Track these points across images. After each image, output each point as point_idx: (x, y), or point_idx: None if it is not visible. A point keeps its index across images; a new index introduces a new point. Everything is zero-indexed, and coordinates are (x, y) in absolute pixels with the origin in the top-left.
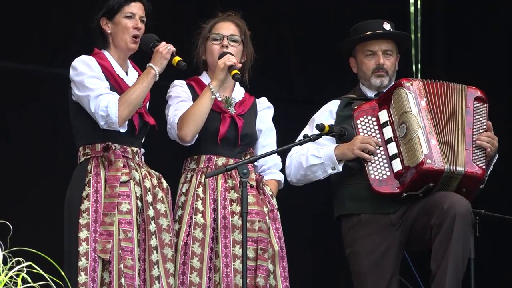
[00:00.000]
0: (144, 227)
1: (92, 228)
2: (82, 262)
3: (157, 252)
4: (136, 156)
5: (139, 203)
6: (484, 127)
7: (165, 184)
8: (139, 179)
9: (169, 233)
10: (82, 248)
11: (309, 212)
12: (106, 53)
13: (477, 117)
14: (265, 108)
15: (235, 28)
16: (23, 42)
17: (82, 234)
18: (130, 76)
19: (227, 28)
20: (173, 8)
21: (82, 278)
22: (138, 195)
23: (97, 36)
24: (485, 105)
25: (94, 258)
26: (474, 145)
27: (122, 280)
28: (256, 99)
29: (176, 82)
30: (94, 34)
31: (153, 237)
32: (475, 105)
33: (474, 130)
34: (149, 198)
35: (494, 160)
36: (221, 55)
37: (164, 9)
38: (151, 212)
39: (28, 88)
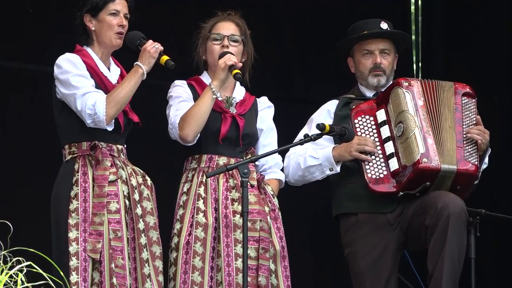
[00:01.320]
0: (133, 226)
1: (82, 228)
2: (73, 262)
3: (146, 250)
4: (121, 154)
5: (127, 202)
6: (474, 122)
7: (149, 181)
8: (126, 178)
9: (156, 230)
10: (73, 248)
11: (310, 212)
12: (89, 50)
13: (466, 113)
14: (265, 108)
15: (236, 28)
16: (16, 41)
17: (72, 234)
18: (112, 72)
19: (227, 28)
20: (174, 8)
21: (74, 277)
22: (125, 193)
23: (80, 32)
24: (474, 100)
25: (85, 257)
26: (465, 141)
27: (114, 280)
28: (257, 99)
29: (176, 82)
30: (77, 30)
31: (142, 235)
32: (463, 101)
33: (464, 126)
34: (136, 196)
35: (487, 154)
36: (222, 55)
37: (165, 9)
38: (139, 210)
39: (26, 87)
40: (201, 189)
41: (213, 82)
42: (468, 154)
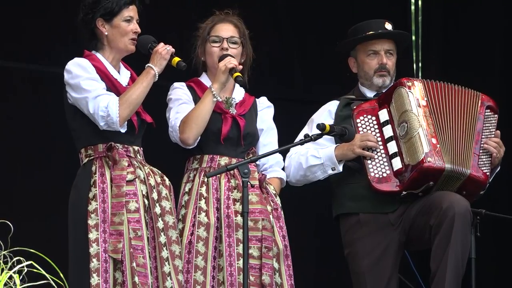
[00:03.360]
0: (153, 225)
1: (101, 228)
2: (94, 263)
3: (166, 249)
4: (138, 155)
5: (146, 201)
6: (493, 135)
7: (167, 181)
8: (144, 177)
9: (175, 229)
10: (93, 249)
11: (313, 211)
12: (98, 54)
13: (486, 125)
14: (265, 108)
15: (234, 30)
16: (17, 41)
17: (92, 235)
18: (122, 75)
19: (226, 30)
20: (176, 9)
21: (94, 279)
22: (144, 193)
23: (88, 37)
24: (496, 115)
25: (105, 258)
26: (481, 151)
27: (136, 278)
28: (256, 99)
29: (176, 84)
30: (85, 34)
31: (162, 234)
32: (486, 113)
33: (483, 137)
34: (155, 195)
35: (496, 171)
36: (222, 58)
37: (167, 10)
38: (157, 209)
39: (26, 87)
40: (203, 189)
41: (214, 85)
42: (481, 163)
